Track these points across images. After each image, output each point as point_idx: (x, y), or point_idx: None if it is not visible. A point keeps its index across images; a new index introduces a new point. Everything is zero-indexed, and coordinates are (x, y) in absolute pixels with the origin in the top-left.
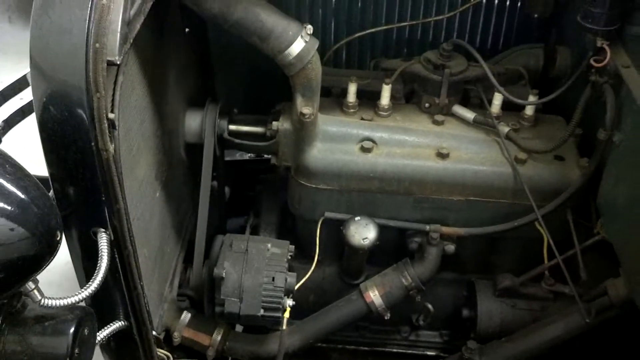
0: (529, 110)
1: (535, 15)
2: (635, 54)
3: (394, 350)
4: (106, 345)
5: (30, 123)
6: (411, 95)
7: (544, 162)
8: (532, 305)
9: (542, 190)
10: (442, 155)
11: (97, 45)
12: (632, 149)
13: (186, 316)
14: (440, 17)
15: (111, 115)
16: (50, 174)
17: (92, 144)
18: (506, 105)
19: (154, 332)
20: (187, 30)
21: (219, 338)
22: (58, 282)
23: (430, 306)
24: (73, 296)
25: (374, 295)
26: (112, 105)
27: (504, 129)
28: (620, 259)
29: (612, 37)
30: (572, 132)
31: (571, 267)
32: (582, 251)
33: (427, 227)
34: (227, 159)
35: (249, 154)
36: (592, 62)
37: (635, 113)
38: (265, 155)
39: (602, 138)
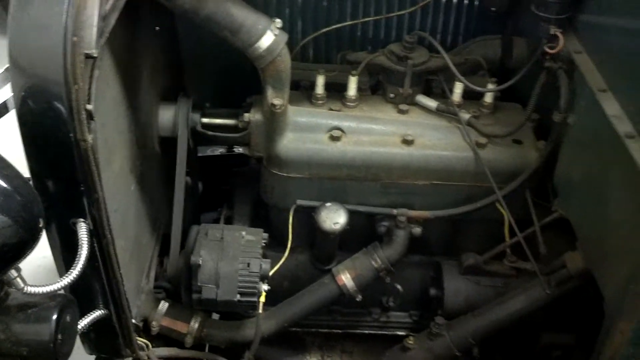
0: (488, 98)
1: (493, 9)
2: (586, 40)
3: (366, 332)
4: (86, 334)
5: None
6: (377, 87)
7: (503, 146)
8: (496, 281)
9: (502, 173)
10: (407, 142)
11: (75, 38)
12: (585, 129)
13: (164, 305)
14: (403, 12)
15: (89, 107)
16: (30, 166)
17: (71, 135)
18: (467, 94)
19: (133, 321)
20: (157, 28)
21: (196, 326)
22: None
23: (399, 287)
24: (55, 283)
25: (346, 278)
26: (89, 97)
27: (465, 116)
28: (577, 233)
29: (564, 24)
30: (528, 117)
31: (531, 244)
32: (541, 228)
33: (395, 211)
34: (199, 154)
35: (221, 150)
36: (546, 49)
37: (587, 96)
38: (237, 150)
39: (557, 120)
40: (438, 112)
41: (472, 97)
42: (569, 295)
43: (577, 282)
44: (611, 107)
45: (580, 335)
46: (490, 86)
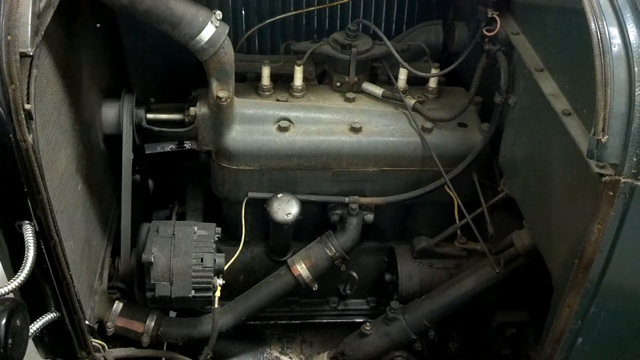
0: (433, 83)
1: None
2: (522, 21)
3: (324, 320)
4: (39, 338)
5: None
6: (323, 76)
7: (448, 130)
8: (447, 263)
9: (449, 156)
10: (355, 130)
11: (9, 37)
12: (525, 109)
13: (118, 306)
14: (346, 0)
15: (27, 106)
16: None
17: (11, 135)
18: (411, 80)
19: (86, 322)
20: (98, 25)
21: (152, 324)
22: None
23: (355, 274)
24: (2, 287)
25: (301, 269)
26: (28, 97)
27: (411, 101)
28: (523, 211)
29: (501, 7)
30: (471, 100)
31: (481, 225)
32: (489, 209)
33: (347, 199)
34: (148, 152)
35: (170, 146)
36: (484, 32)
37: (526, 76)
38: (188, 145)
39: (499, 102)
40: (384, 99)
41: (417, 82)
42: (519, 273)
43: (525, 260)
44: (548, 85)
45: (533, 311)
46: (434, 71)
